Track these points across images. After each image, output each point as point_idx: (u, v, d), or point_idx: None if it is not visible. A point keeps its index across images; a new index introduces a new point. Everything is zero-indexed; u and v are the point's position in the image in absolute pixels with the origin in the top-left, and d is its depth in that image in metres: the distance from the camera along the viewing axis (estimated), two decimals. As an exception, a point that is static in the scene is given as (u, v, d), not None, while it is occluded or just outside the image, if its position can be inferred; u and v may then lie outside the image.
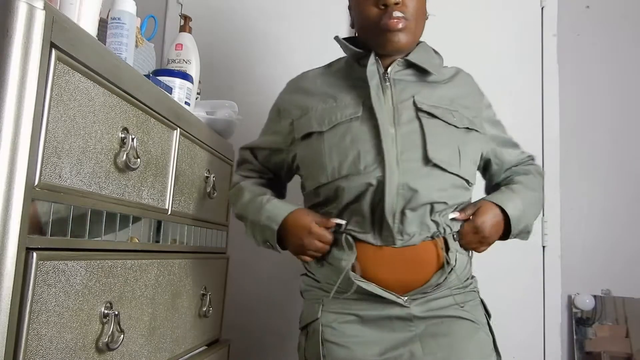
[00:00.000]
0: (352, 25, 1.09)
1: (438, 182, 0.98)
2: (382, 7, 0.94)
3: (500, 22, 1.89)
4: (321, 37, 2.03)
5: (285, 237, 1.04)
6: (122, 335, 0.86)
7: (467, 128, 1.04)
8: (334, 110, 1.02)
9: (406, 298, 1.00)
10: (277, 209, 1.05)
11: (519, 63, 1.87)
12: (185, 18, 1.42)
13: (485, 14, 1.90)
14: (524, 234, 1.11)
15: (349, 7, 1.09)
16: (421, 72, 1.05)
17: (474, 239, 1.03)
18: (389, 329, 0.99)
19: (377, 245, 0.99)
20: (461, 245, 1.04)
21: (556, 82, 1.85)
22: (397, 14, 0.93)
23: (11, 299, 0.63)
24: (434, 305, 1.02)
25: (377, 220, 0.98)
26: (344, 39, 1.09)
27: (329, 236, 1.01)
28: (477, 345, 1.02)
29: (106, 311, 0.83)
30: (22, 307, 0.65)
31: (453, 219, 1.02)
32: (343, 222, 1.00)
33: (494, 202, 1.04)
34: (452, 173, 0.99)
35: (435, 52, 1.12)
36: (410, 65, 1.04)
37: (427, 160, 0.96)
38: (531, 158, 1.21)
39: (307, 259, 1.04)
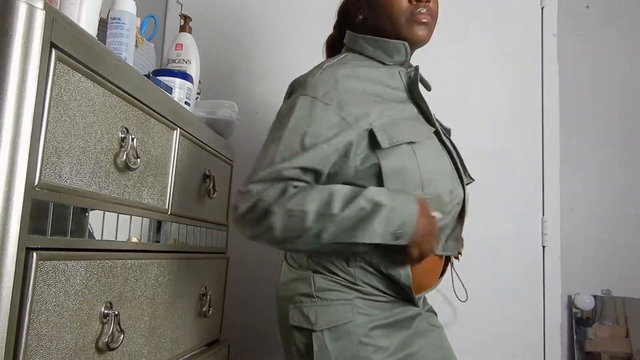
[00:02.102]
0: (360, 21, 1.10)
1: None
2: (415, 2, 1.02)
3: (500, 22, 1.89)
4: (322, 37, 2.03)
5: (420, 223, 0.92)
6: (122, 335, 0.86)
7: None
8: (413, 123, 1.01)
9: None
10: (397, 191, 0.94)
11: (519, 63, 1.87)
12: (185, 18, 1.43)
13: (486, 14, 1.90)
14: None
15: (354, 5, 1.12)
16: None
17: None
18: (406, 327, 1.03)
19: (438, 255, 1.03)
20: None
21: (556, 82, 1.85)
22: (424, 10, 1.03)
23: (11, 299, 0.63)
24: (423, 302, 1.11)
25: (451, 232, 1.04)
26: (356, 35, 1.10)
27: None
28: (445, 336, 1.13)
29: (106, 311, 0.83)
30: (22, 307, 0.65)
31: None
32: (441, 215, 0.98)
33: None
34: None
35: None
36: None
37: (467, 176, 1.10)
38: None
39: (418, 258, 0.93)
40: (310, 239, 0.90)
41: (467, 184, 1.09)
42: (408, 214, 0.90)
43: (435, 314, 1.14)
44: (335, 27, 1.21)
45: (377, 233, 0.89)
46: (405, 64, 1.09)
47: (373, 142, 0.94)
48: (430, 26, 1.05)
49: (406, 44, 1.05)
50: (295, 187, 0.91)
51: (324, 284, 1.00)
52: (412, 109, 1.04)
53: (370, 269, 0.99)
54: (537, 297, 1.75)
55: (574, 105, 1.85)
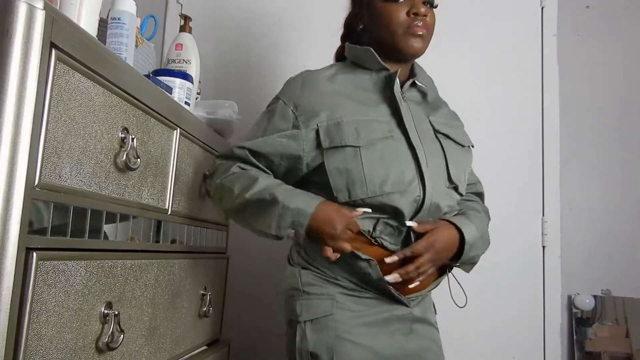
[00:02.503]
0: (361, 30, 1.15)
1: (451, 200, 1.09)
2: (412, 16, 1.07)
3: (500, 22, 1.89)
4: (321, 37, 2.02)
5: (314, 224, 0.98)
6: (122, 335, 0.86)
7: (469, 146, 1.17)
8: (369, 125, 1.04)
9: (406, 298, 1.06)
10: (309, 195, 1.02)
11: (519, 63, 1.87)
12: (185, 18, 1.43)
13: (486, 14, 1.90)
14: (470, 264, 1.14)
15: (357, 15, 1.16)
16: (420, 92, 1.17)
17: (426, 256, 1.02)
18: (400, 332, 1.05)
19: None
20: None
21: (556, 82, 1.85)
22: (421, 23, 1.07)
23: (11, 299, 0.63)
24: (424, 306, 1.11)
25: (408, 233, 1.04)
26: (352, 44, 1.15)
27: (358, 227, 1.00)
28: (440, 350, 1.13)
29: (106, 311, 0.83)
30: (22, 307, 0.65)
31: (410, 227, 1.03)
32: (369, 210, 1.01)
33: (452, 223, 1.08)
34: (459, 192, 1.11)
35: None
36: (414, 85, 1.14)
37: (450, 182, 1.08)
38: (482, 196, 1.27)
39: (331, 255, 0.98)
40: (239, 215, 1.05)
41: (451, 187, 1.08)
42: (302, 214, 0.97)
43: (437, 329, 1.14)
44: (341, 39, 1.24)
45: (271, 225, 0.99)
46: (395, 68, 1.11)
47: (318, 142, 1.04)
48: (426, 38, 1.09)
49: (371, 49, 1.10)
50: (241, 168, 1.06)
51: (309, 278, 1.07)
52: (383, 111, 1.07)
53: (345, 265, 1.04)
54: (537, 297, 1.75)
55: (574, 105, 1.85)
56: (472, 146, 1.20)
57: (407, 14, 1.07)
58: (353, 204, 1.02)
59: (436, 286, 1.11)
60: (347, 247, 0.99)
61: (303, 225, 0.97)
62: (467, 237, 1.06)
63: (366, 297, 1.05)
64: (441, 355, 1.12)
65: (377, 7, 1.09)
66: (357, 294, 1.05)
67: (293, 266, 1.11)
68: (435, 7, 1.11)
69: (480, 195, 1.26)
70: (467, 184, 1.17)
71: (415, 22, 1.06)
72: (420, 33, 1.07)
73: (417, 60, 1.17)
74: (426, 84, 1.17)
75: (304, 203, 0.99)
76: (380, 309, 1.05)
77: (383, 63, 1.10)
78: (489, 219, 1.21)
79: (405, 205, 1.01)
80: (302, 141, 1.04)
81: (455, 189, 1.09)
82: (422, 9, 1.06)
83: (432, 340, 1.10)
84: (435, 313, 1.18)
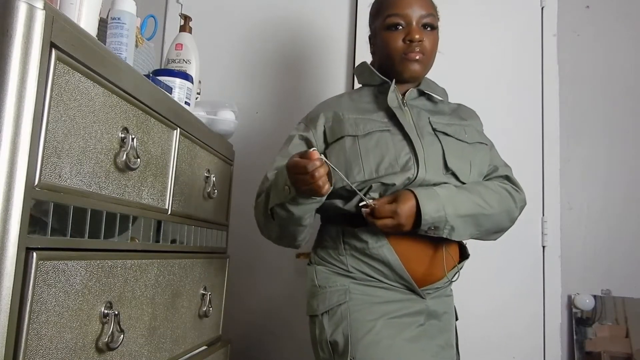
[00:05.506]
0: (372, 53, 1.25)
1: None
2: (408, 42, 1.13)
3: (501, 22, 1.89)
4: (321, 37, 2.03)
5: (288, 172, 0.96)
6: (122, 335, 0.86)
7: (479, 142, 1.19)
8: (367, 121, 1.13)
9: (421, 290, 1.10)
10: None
11: (519, 63, 1.87)
12: (185, 18, 1.43)
13: (486, 14, 1.90)
14: (436, 230, 1.07)
15: (370, 37, 1.25)
16: (431, 101, 1.22)
17: (389, 223, 1.02)
18: (409, 323, 1.08)
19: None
20: (371, 224, 1.04)
21: (556, 82, 1.85)
22: (417, 48, 1.13)
23: (11, 299, 0.63)
24: (441, 300, 1.14)
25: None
26: (362, 66, 1.25)
27: (310, 165, 0.89)
28: (452, 341, 1.17)
29: (106, 311, 0.83)
30: (22, 307, 0.65)
31: (363, 206, 1.03)
32: (313, 147, 1.03)
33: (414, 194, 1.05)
34: (460, 181, 1.12)
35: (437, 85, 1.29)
36: (421, 94, 1.21)
37: (446, 169, 1.11)
38: (508, 177, 1.23)
39: (318, 190, 0.90)
40: (264, 206, 1.06)
41: (449, 174, 1.09)
42: (283, 177, 0.97)
43: (452, 331, 1.16)
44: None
45: (275, 197, 1.01)
46: (401, 88, 1.18)
47: (325, 138, 1.15)
48: (423, 62, 1.15)
49: (366, 62, 1.23)
50: None
51: (323, 274, 1.14)
52: (382, 115, 1.15)
53: (357, 254, 1.10)
54: (537, 297, 1.75)
55: (574, 105, 1.85)
56: (485, 144, 1.21)
57: (404, 40, 1.13)
58: (350, 189, 1.05)
59: (449, 280, 1.14)
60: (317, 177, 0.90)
61: (286, 180, 0.94)
62: (425, 210, 1.02)
63: (379, 286, 1.09)
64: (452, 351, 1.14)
65: (381, 35, 1.17)
66: (369, 283, 1.10)
67: (310, 265, 1.17)
68: (435, 28, 1.16)
69: (506, 177, 1.23)
70: (489, 173, 1.20)
71: (411, 48, 1.13)
72: (417, 58, 1.13)
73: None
74: (438, 94, 1.22)
75: (281, 172, 0.99)
76: (395, 298, 1.09)
77: (379, 75, 1.18)
78: (509, 194, 1.17)
79: (398, 182, 1.06)
80: (313, 139, 1.15)
81: (454, 175, 1.11)
82: (417, 36, 1.12)
83: (446, 341, 1.13)
84: (457, 319, 1.20)
